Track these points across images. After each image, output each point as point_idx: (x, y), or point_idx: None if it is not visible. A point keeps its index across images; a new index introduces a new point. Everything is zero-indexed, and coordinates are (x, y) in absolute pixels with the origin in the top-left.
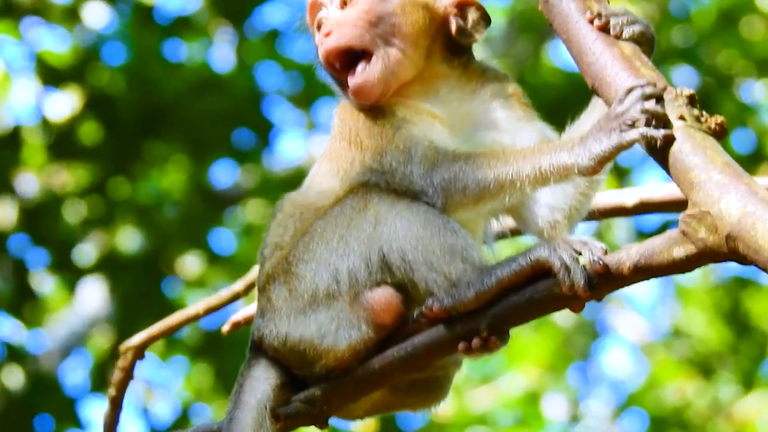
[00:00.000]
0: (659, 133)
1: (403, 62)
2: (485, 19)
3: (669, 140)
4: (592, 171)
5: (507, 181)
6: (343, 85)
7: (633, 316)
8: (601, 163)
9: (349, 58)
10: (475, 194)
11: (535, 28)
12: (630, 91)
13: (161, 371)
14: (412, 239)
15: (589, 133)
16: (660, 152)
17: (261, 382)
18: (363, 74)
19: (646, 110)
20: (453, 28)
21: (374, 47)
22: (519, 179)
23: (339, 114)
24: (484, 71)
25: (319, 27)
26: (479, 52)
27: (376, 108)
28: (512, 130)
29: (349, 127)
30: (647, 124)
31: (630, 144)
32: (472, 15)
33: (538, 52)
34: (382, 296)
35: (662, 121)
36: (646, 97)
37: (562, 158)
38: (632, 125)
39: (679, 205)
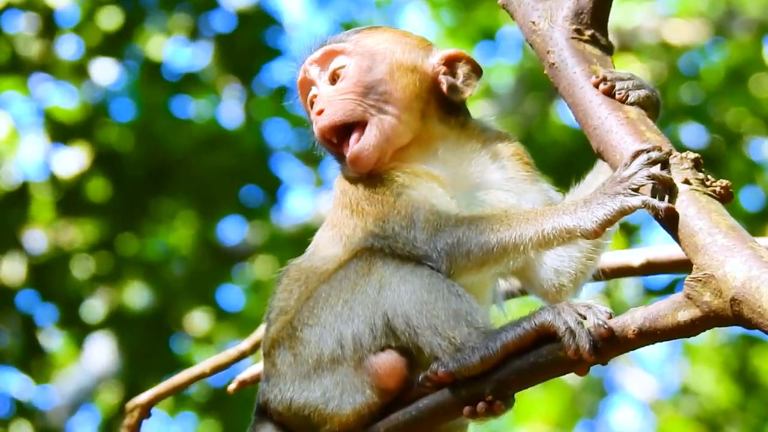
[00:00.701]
0: (662, 205)
1: (397, 127)
2: (476, 71)
3: (670, 213)
4: (594, 234)
5: (510, 244)
6: (341, 158)
7: (641, 374)
8: (603, 226)
9: (344, 132)
10: (479, 258)
11: (542, 86)
12: (636, 155)
13: (169, 427)
14: (417, 304)
15: (593, 196)
16: (664, 219)
17: None
18: (358, 144)
19: (652, 175)
20: (444, 87)
21: (368, 117)
22: (522, 243)
23: (339, 185)
24: (483, 130)
25: (311, 104)
26: (484, 109)
27: (375, 175)
28: (515, 191)
29: (350, 197)
30: (653, 190)
31: (633, 210)
32: (462, 69)
33: (545, 110)
34: (387, 361)
35: (668, 187)
36: (652, 162)
37: (565, 221)
38: (637, 190)
39: (685, 266)
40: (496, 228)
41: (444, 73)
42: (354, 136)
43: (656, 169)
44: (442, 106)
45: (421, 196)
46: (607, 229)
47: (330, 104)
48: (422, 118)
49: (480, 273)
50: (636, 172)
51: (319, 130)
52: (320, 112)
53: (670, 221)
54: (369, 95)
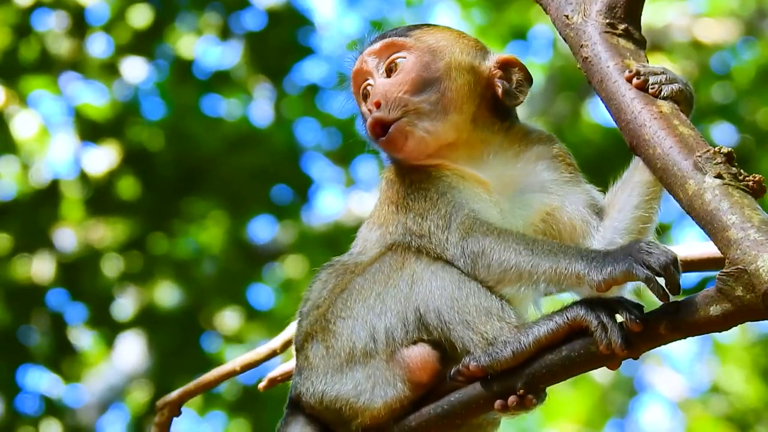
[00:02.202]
0: (660, 292)
1: (443, 124)
2: (528, 79)
3: (665, 301)
4: (598, 287)
5: (525, 271)
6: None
7: (671, 373)
8: (608, 283)
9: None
10: (497, 276)
11: (573, 85)
12: (665, 252)
13: (199, 426)
14: (448, 299)
15: (613, 251)
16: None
17: None
18: (398, 126)
19: (666, 269)
20: (499, 90)
21: (419, 114)
22: (536, 273)
23: (386, 176)
24: (528, 133)
25: (364, 95)
26: (518, 111)
27: (422, 171)
28: (559, 193)
29: (396, 189)
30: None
31: (637, 279)
32: (516, 75)
33: (576, 109)
34: (419, 354)
35: (672, 288)
36: (670, 264)
37: (578, 266)
38: (648, 267)
39: (716, 264)
40: (519, 249)
41: (499, 77)
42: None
43: (672, 270)
44: (492, 109)
45: (463, 199)
46: (611, 286)
47: (386, 100)
48: (472, 120)
49: (497, 288)
50: (658, 255)
51: (374, 121)
52: (377, 104)
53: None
54: (424, 92)
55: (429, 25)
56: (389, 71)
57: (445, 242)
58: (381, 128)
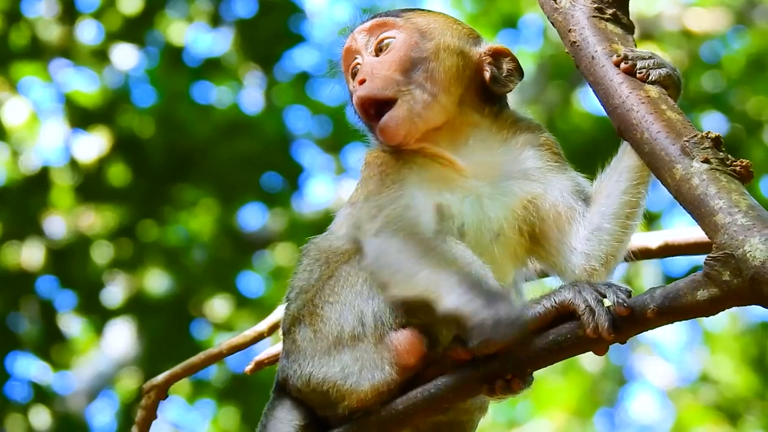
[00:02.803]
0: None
1: (432, 107)
2: (518, 71)
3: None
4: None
5: (409, 283)
6: (375, 131)
7: (660, 362)
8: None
9: (381, 105)
10: (384, 281)
11: (564, 73)
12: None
13: (188, 414)
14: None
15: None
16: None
17: (284, 424)
18: (389, 114)
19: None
20: (487, 75)
21: (405, 93)
22: (416, 290)
23: (365, 158)
24: (516, 120)
25: (353, 74)
26: (508, 100)
27: (399, 155)
28: (542, 180)
29: (368, 172)
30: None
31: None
32: (507, 65)
33: (567, 98)
34: (407, 338)
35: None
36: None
37: (456, 299)
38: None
39: (704, 248)
40: (419, 261)
41: (489, 64)
42: (389, 108)
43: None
44: (480, 94)
45: (413, 191)
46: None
47: (372, 76)
48: (459, 103)
49: (390, 294)
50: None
51: (359, 99)
52: (362, 82)
53: (689, 198)
54: (412, 71)
55: (423, 9)
56: (378, 50)
57: (366, 232)
58: (368, 105)
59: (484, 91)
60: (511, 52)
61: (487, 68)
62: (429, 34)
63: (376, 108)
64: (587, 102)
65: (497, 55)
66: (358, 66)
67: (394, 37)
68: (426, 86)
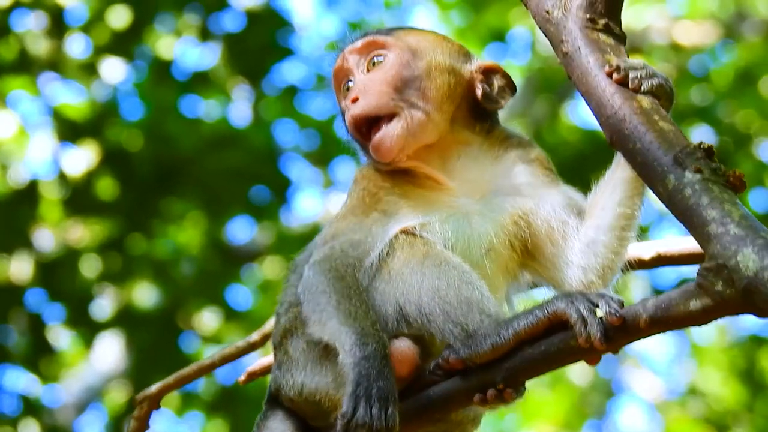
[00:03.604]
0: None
1: (425, 125)
2: (510, 87)
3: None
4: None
5: (317, 322)
6: (367, 149)
7: (648, 375)
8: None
9: (374, 123)
10: (303, 315)
11: (552, 87)
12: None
13: (177, 426)
14: (428, 290)
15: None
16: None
17: None
18: (382, 132)
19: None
20: (479, 93)
21: (398, 110)
22: (327, 337)
23: (355, 174)
24: (507, 137)
25: (345, 93)
26: (500, 114)
27: (386, 175)
28: (534, 196)
29: (352, 190)
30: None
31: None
32: (498, 82)
33: (555, 111)
34: (399, 348)
35: None
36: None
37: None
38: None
39: (696, 259)
40: (337, 311)
41: (480, 81)
42: (382, 125)
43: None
44: (472, 112)
45: (368, 226)
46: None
47: (364, 94)
48: (451, 120)
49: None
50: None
51: (351, 118)
52: (354, 100)
53: (681, 208)
54: (403, 89)
55: (413, 28)
56: (370, 67)
57: (313, 255)
58: (361, 124)
59: (476, 108)
60: (502, 68)
61: (479, 86)
62: (420, 52)
63: (368, 126)
64: (575, 115)
65: (488, 72)
66: (350, 85)
67: (386, 56)
68: (419, 104)
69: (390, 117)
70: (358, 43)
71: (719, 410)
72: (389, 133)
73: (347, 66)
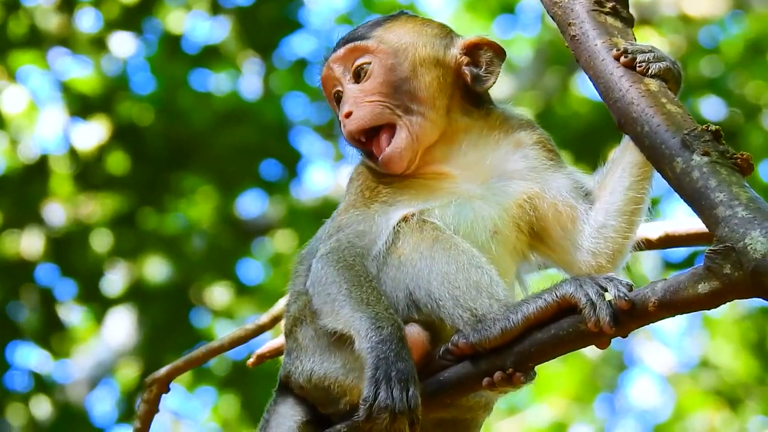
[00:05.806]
0: None
1: (426, 128)
2: (498, 54)
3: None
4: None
5: (332, 313)
6: (369, 154)
7: (660, 348)
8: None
9: (372, 132)
10: (315, 308)
11: (562, 59)
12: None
13: (188, 402)
14: (438, 275)
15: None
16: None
17: (287, 419)
18: (390, 147)
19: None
20: (468, 78)
21: (395, 119)
22: (337, 320)
23: (352, 172)
24: (507, 119)
25: (337, 99)
26: (506, 86)
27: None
28: (538, 179)
29: (351, 185)
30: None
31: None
32: (485, 56)
33: (566, 83)
34: (409, 334)
35: None
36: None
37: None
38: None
39: (704, 239)
40: (342, 295)
41: (467, 64)
42: (383, 138)
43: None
44: (465, 97)
45: (371, 216)
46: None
47: (358, 107)
48: (447, 113)
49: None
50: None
51: (348, 133)
52: (348, 115)
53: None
54: (395, 95)
55: (390, 20)
56: (356, 76)
57: (318, 249)
58: (359, 136)
59: (469, 93)
60: (485, 39)
61: (466, 71)
62: (402, 51)
63: (366, 136)
64: (586, 87)
65: (472, 50)
66: (340, 92)
67: (370, 62)
68: (413, 108)
69: (389, 126)
70: (341, 52)
71: (731, 383)
72: (396, 147)
73: (333, 75)
